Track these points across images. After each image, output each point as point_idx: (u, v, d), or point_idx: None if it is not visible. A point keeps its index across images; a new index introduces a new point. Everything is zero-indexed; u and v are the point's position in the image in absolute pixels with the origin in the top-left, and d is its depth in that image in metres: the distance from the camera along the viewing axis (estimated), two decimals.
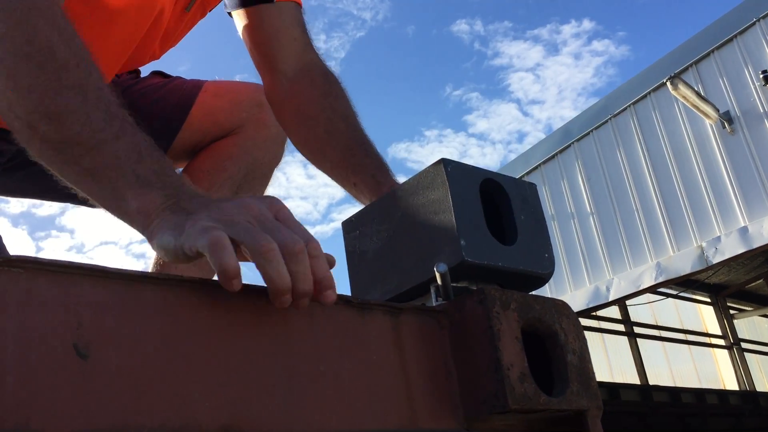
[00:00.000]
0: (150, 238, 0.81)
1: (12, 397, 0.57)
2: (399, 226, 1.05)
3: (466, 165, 1.01)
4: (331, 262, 0.79)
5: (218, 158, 1.56)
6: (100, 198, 0.85)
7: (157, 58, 1.53)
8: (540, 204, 1.10)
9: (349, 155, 1.33)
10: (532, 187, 1.10)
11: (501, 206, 1.05)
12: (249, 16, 1.45)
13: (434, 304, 0.97)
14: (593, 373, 0.97)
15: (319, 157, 1.38)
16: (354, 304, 0.85)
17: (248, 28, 1.46)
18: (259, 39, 1.45)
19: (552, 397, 0.90)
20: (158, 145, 0.90)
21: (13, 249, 1.53)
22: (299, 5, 1.49)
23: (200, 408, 0.67)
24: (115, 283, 0.66)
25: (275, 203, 0.80)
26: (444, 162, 1.00)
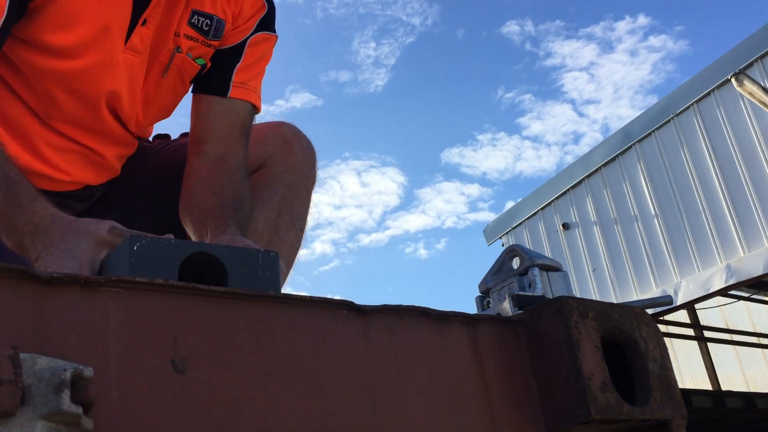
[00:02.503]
0: None
1: (117, 411, 0.60)
2: None
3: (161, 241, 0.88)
4: None
5: (254, 187, 1.65)
6: None
7: (144, 123, 1.64)
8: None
9: (218, 210, 1.45)
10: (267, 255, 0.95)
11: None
12: (202, 102, 1.61)
13: (511, 314, 0.98)
14: (676, 382, 0.95)
15: (189, 206, 1.53)
16: (432, 316, 0.85)
17: (197, 111, 1.61)
18: (201, 123, 1.60)
19: (635, 407, 0.89)
20: None
21: None
22: (255, 108, 1.63)
23: (290, 421, 0.69)
24: (206, 301, 0.68)
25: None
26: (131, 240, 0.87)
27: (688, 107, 8.51)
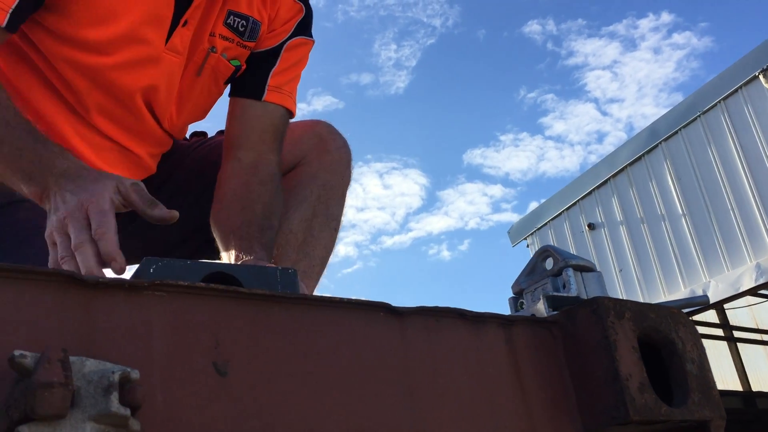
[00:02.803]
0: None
1: (161, 413, 0.60)
2: None
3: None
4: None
5: (289, 187, 1.66)
6: (11, 184, 1.15)
7: (177, 122, 1.65)
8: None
9: (245, 228, 1.46)
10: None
11: None
12: (237, 105, 1.61)
13: (545, 315, 0.97)
14: (714, 383, 0.94)
15: (218, 216, 1.53)
16: (468, 317, 0.86)
17: (232, 114, 1.62)
18: (236, 126, 1.60)
19: (673, 408, 0.88)
20: None
21: None
22: (289, 112, 1.63)
23: (330, 421, 0.69)
24: (246, 304, 0.69)
25: (88, 201, 1.02)
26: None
27: (715, 105, 8.41)
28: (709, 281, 8.13)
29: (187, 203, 1.66)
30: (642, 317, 0.91)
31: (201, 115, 1.71)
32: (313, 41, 1.69)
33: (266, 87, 1.59)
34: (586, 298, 1.05)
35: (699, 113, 8.50)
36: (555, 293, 1.06)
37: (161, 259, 0.89)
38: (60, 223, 1.03)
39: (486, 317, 0.87)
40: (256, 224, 1.44)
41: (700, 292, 8.03)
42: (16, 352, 0.51)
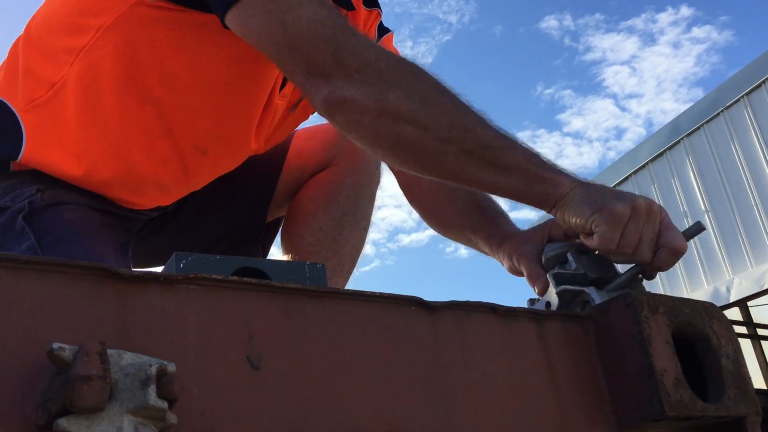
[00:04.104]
0: (560, 207, 1.06)
1: (197, 407, 0.60)
2: None
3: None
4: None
5: (320, 185, 1.67)
6: (510, 186, 1.08)
7: (262, 150, 1.61)
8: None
9: (467, 218, 1.46)
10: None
11: None
12: None
13: (555, 292, 1.02)
14: (749, 378, 0.93)
15: (442, 223, 1.54)
16: (500, 312, 0.85)
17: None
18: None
19: (708, 404, 0.87)
20: (264, 189, 1.02)
21: None
22: None
23: (363, 416, 0.69)
24: (279, 297, 0.69)
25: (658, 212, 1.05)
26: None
27: (738, 100, 8.32)
28: (733, 278, 8.04)
29: (218, 207, 1.66)
30: (676, 312, 0.90)
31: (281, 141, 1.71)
32: (392, 32, 1.67)
33: None
34: (594, 276, 1.05)
35: (722, 108, 8.41)
36: (559, 270, 1.07)
37: (191, 254, 0.89)
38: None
39: (517, 312, 0.86)
40: (471, 210, 1.45)
41: (723, 290, 7.95)
42: (55, 345, 0.51)
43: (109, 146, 1.35)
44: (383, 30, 1.64)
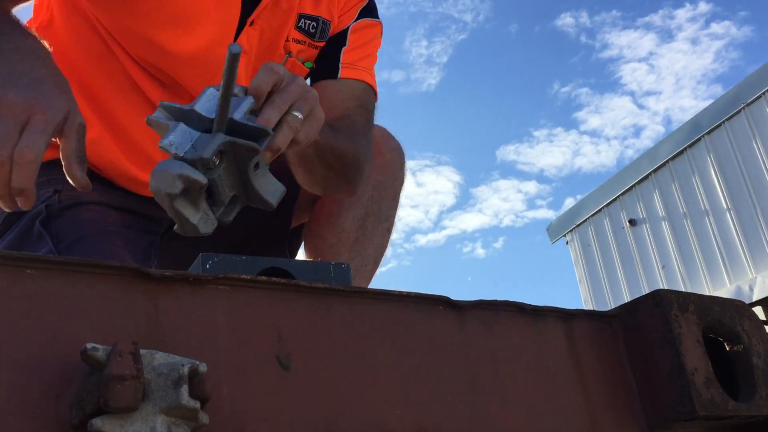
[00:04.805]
0: None
1: (228, 407, 0.60)
2: None
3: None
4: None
5: None
6: None
7: None
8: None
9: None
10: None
11: None
12: (317, 89, 1.55)
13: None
14: None
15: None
16: (527, 311, 0.84)
17: None
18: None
19: (740, 403, 0.85)
20: (288, 191, 1.03)
21: None
22: (370, 87, 1.58)
23: (392, 415, 0.68)
24: (307, 297, 0.69)
25: (34, 109, 0.91)
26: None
27: (759, 96, 8.22)
28: (756, 277, 7.94)
29: (242, 212, 1.67)
30: (706, 310, 0.89)
31: None
32: (381, 23, 1.67)
33: (340, 64, 1.56)
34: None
35: (743, 105, 8.31)
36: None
37: (216, 254, 0.89)
38: None
39: (545, 311, 0.86)
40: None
41: (746, 289, 7.86)
42: (89, 345, 0.52)
43: (96, 112, 1.42)
44: (367, 12, 1.63)
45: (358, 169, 1.40)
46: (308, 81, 1.60)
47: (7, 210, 0.97)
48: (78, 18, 1.42)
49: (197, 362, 0.55)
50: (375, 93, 1.61)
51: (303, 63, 1.56)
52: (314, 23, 1.54)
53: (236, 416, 0.60)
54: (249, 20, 1.44)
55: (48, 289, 0.56)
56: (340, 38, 1.59)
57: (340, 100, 1.53)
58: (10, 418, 0.51)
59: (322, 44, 1.57)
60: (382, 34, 1.68)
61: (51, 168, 1.41)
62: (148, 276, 0.60)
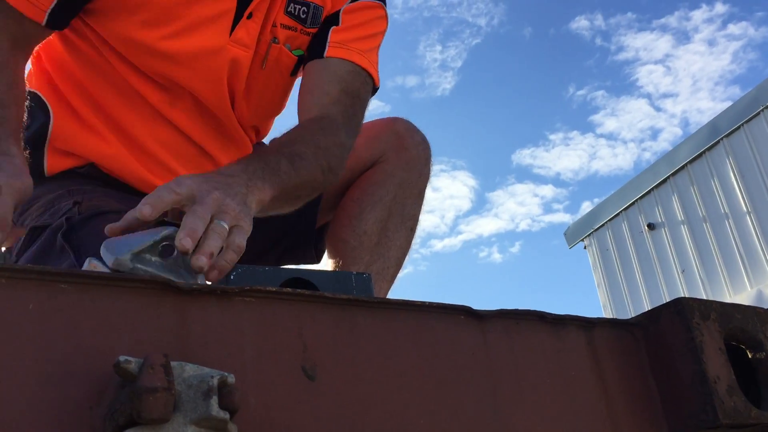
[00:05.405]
0: None
1: (255, 416, 0.61)
2: None
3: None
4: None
5: (365, 186, 1.64)
6: None
7: (248, 117, 1.60)
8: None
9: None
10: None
11: None
12: (304, 74, 1.53)
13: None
14: None
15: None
16: (548, 320, 0.85)
17: (301, 81, 1.53)
18: (301, 89, 1.50)
19: (763, 411, 0.85)
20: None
21: None
22: (362, 71, 1.49)
23: (416, 424, 0.69)
24: (332, 308, 0.70)
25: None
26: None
27: None
28: None
29: (264, 219, 1.67)
30: (728, 318, 0.89)
31: (272, 109, 1.67)
32: (383, 6, 1.58)
33: (327, 44, 1.49)
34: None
35: (762, 107, 8.24)
36: None
37: (240, 265, 0.91)
38: None
39: (566, 319, 0.86)
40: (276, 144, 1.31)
41: (767, 293, 7.78)
42: (121, 358, 0.53)
43: (107, 119, 1.44)
44: None
45: (330, 175, 1.30)
46: (297, 70, 1.56)
47: None
48: (69, 30, 1.44)
49: (226, 374, 0.56)
50: (373, 79, 1.52)
51: (291, 51, 1.52)
52: (305, 8, 1.49)
53: (264, 426, 0.61)
54: (246, 12, 1.42)
55: (81, 304, 0.57)
56: (332, 18, 1.52)
57: (322, 83, 1.46)
58: (45, 431, 0.53)
59: (314, 30, 1.52)
60: (386, 18, 1.59)
61: (67, 179, 1.44)
62: (176, 289, 0.61)
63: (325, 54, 1.48)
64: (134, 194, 1.48)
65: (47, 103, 1.45)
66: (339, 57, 1.48)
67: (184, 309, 0.62)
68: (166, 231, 0.82)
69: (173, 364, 0.55)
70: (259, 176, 1.06)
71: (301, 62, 1.55)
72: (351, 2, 1.54)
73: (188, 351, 0.61)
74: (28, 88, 1.44)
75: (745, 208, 8.34)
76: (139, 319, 0.59)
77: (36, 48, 1.41)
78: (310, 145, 1.25)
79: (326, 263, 1.66)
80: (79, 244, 1.32)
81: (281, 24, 1.49)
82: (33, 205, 1.41)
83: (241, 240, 0.91)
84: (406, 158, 1.64)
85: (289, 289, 0.68)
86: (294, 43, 1.52)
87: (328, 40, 1.49)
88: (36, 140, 1.44)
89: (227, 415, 0.55)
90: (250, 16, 1.43)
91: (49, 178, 1.45)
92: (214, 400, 0.54)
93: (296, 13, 1.49)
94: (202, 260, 0.81)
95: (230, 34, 1.42)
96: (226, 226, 0.90)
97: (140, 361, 0.53)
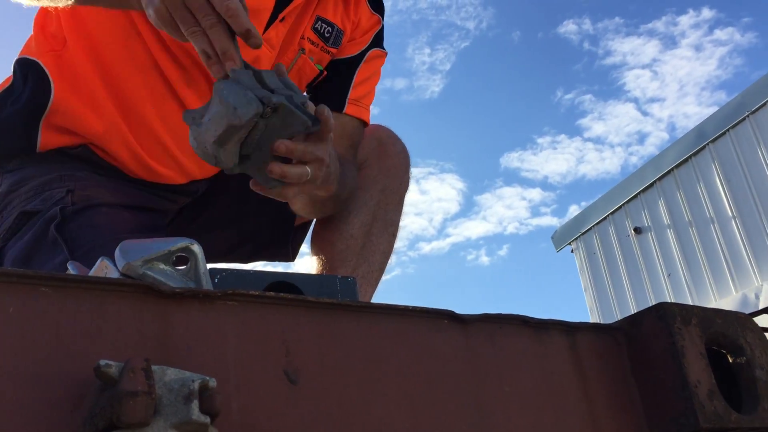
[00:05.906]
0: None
1: (237, 422, 0.61)
2: None
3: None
4: None
5: None
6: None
7: None
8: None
9: None
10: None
11: None
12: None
13: None
14: None
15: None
16: (531, 324, 0.85)
17: None
18: None
19: (743, 415, 0.86)
20: None
21: None
22: (364, 123, 1.66)
23: (399, 428, 0.69)
24: (315, 312, 0.70)
25: None
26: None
27: (764, 104, 8.21)
28: (762, 285, 7.92)
29: (246, 207, 1.68)
30: (709, 323, 0.90)
31: None
32: (386, 53, 1.73)
33: (347, 100, 1.63)
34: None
35: (747, 113, 8.30)
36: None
37: (224, 269, 0.91)
38: (175, 4, 1.00)
39: (549, 324, 0.86)
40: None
41: (752, 297, 7.84)
42: (102, 362, 0.53)
43: (107, 86, 1.44)
44: (378, 41, 1.70)
45: (342, 202, 1.55)
46: (315, 82, 1.65)
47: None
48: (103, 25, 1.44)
49: (207, 377, 0.56)
50: (367, 125, 1.70)
51: (315, 64, 1.60)
52: (330, 28, 1.59)
53: (245, 430, 0.61)
54: (280, 16, 1.48)
55: (62, 307, 0.57)
56: (353, 64, 1.65)
57: (336, 136, 1.55)
58: None
59: (334, 50, 1.61)
60: (383, 64, 1.74)
61: (59, 162, 1.43)
62: (159, 293, 0.61)
63: (345, 110, 1.64)
64: (126, 181, 1.47)
65: (48, 74, 1.44)
66: (354, 116, 1.65)
67: (167, 313, 0.62)
68: (181, 242, 0.84)
69: (154, 368, 0.55)
70: None
71: (319, 77, 1.64)
72: (370, 49, 1.68)
73: (170, 355, 0.61)
74: (27, 56, 1.44)
75: (730, 213, 8.40)
76: (121, 323, 0.59)
77: (37, 16, 1.43)
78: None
79: (312, 266, 1.66)
80: (72, 237, 1.32)
81: (308, 38, 1.58)
82: (22, 187, 1.40)
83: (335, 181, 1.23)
84: (388, 165, 1.68)
85: (272, 293, 0.68)
86: (315, 57, 1.60)
87: (348, 97, 1.64)
88: (32, 112, 1.42)
89: (208, 419, 0.55)
90: (282, 20, 1.49)
91: (40, 158, 1.43)
92: (195, 404, 0.54)
93: (321, 31, 1.59)
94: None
95: (263, 32, 1.47)
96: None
97: (121, 365, 0.53)
